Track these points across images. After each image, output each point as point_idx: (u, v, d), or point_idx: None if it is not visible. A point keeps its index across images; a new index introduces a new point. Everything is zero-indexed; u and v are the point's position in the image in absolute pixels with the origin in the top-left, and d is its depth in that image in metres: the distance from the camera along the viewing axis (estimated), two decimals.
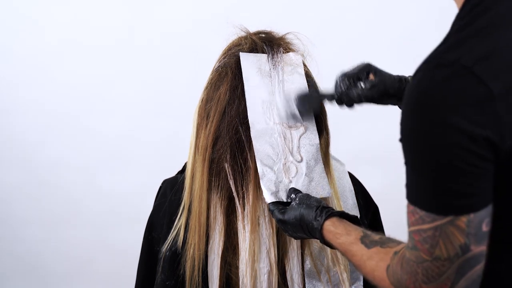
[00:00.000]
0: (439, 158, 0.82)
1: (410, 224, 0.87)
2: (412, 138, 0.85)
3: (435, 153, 0.82)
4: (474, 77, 0.79)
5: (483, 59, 0.81)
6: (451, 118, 0.80)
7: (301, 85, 1.23)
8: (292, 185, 1.19)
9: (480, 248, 0.84)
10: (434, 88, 0.81)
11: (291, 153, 1.20)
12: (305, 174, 1.19)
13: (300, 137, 1.21)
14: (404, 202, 0.86)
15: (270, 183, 1.17)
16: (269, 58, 1.24)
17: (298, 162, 1.20)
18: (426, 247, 0.85)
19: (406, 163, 0.87)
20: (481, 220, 0.83)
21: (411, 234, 0.87)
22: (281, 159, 1.19)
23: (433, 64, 0.83)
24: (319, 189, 1.19)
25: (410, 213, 0.87)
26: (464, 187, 0.82)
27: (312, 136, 1.21)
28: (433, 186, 0.83)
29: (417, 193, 0.86)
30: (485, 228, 0.84)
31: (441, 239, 0.83)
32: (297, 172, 1.20)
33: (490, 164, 0.82)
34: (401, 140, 0.86)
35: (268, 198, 1.17)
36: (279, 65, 1.24)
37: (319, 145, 1.21)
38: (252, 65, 1.22)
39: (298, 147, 1.20)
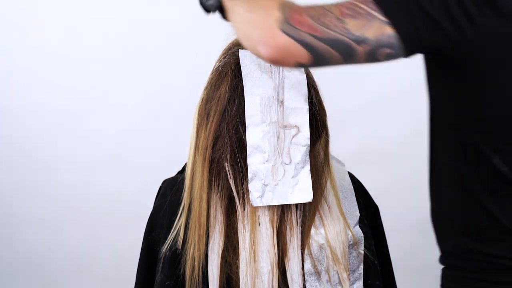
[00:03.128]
0: None
1: None
2: None
3: None
4: None
5: None
6: None
7: (301, 81, 1.22)
8: (278, 188, 1.19)
9: (361, 56, 0.97)
10: None
11: (281, 155, 1.20)
12: (292, 176, 1.20)
13: (292, 137, 1.20)
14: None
15: (258, 186, 1.18)
16: None
17: (287, 164, 1.20)
18: (346, 12, 0.97)
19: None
20: (387, 46, 0.97)
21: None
22: (271, 161, 1.19)
23: None
24: (301, 194, 1.20)
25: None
26: (415, 13, 0.94)
27: (304, 137, 1.20)
28: None
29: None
30: (380, 54, 0.97)
31: (366, 22, 0.96)
32: (284, 174, 1.20)
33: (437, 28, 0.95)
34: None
35: (254, 202, 1.18)
36: None
37: (309, 147, 1.21)
38: (251, 62, 1.22)
39: (289, 148, 1.20)
